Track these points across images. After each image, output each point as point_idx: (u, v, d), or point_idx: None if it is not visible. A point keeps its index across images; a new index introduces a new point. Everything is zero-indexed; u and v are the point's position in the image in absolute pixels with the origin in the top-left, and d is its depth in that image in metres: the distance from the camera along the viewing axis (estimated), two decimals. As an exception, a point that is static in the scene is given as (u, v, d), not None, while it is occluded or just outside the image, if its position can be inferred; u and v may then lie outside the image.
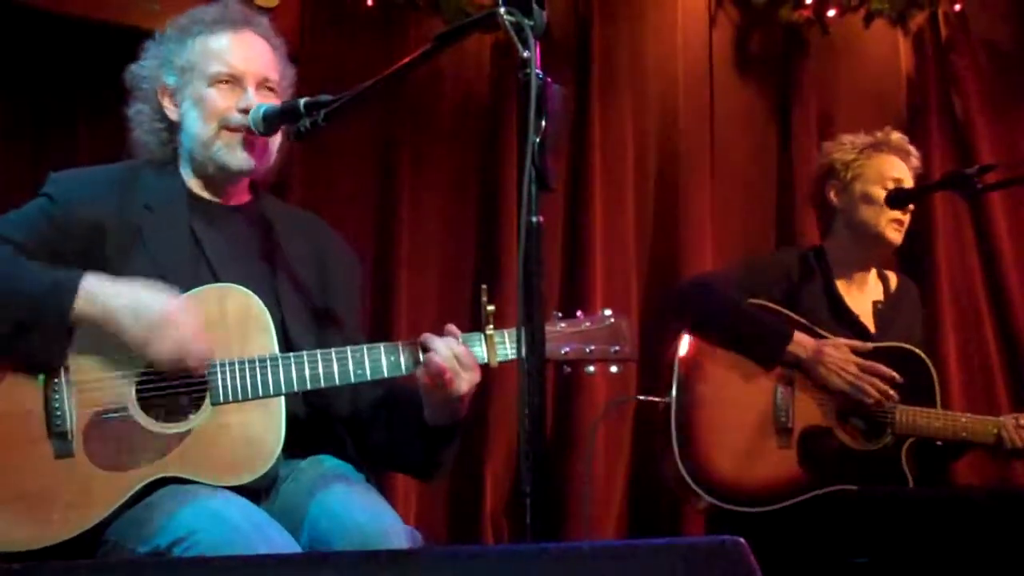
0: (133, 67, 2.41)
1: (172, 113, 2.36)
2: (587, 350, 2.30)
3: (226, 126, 2.30)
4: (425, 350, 2.18)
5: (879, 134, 3.27)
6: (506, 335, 2.22)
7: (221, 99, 2.31)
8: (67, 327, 2.09)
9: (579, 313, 2.35)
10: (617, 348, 2.31)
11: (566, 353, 2.29)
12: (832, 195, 3.25)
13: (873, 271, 3.31)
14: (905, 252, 4.31)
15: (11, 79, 3.64)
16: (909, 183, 3.21)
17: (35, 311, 2.07)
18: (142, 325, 2.08)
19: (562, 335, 2.29)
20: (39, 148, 3.71)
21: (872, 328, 3.21)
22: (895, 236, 3.18)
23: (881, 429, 3.06)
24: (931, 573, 2.76)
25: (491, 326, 2.21)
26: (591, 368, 2.32)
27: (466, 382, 2.18)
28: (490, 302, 2.20)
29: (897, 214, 3.16)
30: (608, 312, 2.33)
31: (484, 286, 2.22)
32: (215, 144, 2.30)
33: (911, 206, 3.20)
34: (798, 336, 3.03)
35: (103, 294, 2.09)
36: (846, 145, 3.26)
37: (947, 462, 3.36)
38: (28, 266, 2.13)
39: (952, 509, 2.81)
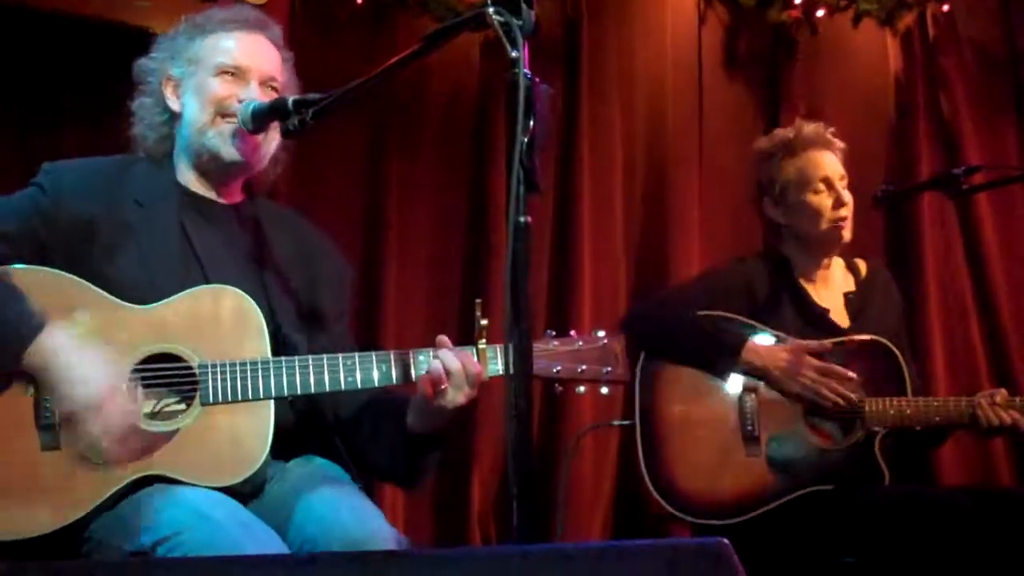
0: (142, 60, 2.43)
1: (174, 103, 2.37)
2: (579, 370, 2.29)
3: (222, 112, 2.30)
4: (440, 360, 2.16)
5: (791, 134, 3.22)
6: (498, 350, 2.21)
7: (223, 88, 2.32)
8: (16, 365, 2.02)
9: (572, 332, 2.34)
10: (608, 369, 2.30)
11: (558, 372, 2.28)
12: (770, 211, 3.22)
13: (840, 263, 3.28)
14: (893, 250, 4.37)
15: (-3, 75, 3.62)
16: (839, 170, 3.16)
17: None
18: (72, 402, 2.01)
19: (554, 353, 2.28)
20: (24, 144, 3.68)
21: (846, 321, 3.18)
22: (843, 235, 3.15)
23: (851, 425, 3.04)
24: (916, 574, 2.76)
25: (483, 340, 2.20)
26: (582, 388, 2.31)
27: (464, 396, 2.18)
28: (483, 315, 2.19)
29: (838, 213, 3.11)
30: (601, 333, 2.32)
31: (479, 300, 2.23)
32: (209, 131, 2.31)
33: (848, 196, 3.14)
34: (752, 343, 3.02)
35: (55, 354, 2.01)
36: (764, 156, 3.22)
37: (926, 450, 3.34)
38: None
39: (937, 511, 2.81)
